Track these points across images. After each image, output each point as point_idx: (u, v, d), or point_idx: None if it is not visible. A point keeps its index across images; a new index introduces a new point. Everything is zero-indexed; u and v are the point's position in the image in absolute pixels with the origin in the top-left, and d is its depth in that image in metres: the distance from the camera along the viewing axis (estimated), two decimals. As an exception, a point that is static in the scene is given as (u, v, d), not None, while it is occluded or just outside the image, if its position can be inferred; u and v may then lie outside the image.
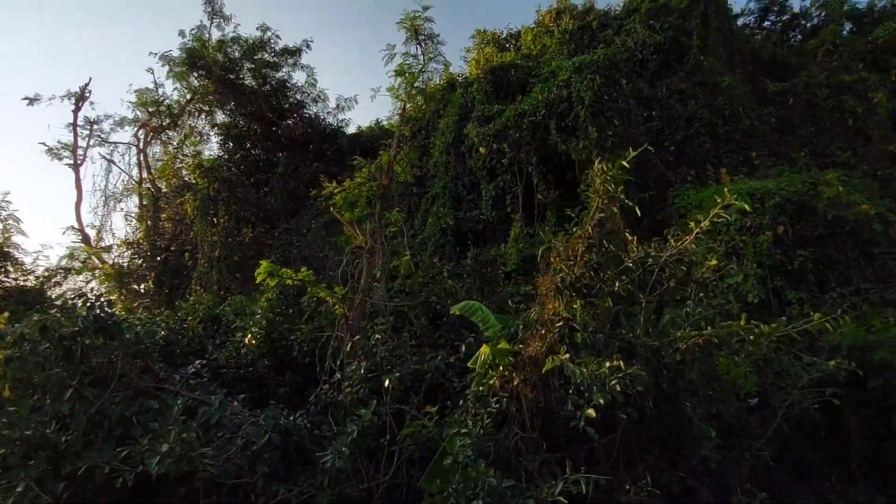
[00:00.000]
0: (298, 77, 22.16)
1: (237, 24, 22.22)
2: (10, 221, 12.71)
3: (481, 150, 14.03)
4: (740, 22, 22.16)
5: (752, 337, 5.11)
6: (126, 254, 18.74)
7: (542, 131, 14.04)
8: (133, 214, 20.16)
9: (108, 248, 18.47)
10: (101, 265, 16.53)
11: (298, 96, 21.44)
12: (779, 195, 10.87)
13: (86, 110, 20.68)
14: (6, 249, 11.91)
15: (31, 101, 18.54)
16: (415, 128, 19.99)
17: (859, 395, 7.41)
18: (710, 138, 14.38)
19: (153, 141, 21.27)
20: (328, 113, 22.61)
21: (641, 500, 4.88)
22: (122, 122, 20.78)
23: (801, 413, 5.53)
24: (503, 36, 20.61)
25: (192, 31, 21.63)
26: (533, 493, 4.62)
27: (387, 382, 7.52)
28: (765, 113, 15.38)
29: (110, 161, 20.20)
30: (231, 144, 22.11)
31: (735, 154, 14.33)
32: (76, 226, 18.42)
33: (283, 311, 11.51)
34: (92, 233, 18.90)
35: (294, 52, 22.28)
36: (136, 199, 20.59)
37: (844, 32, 20.04)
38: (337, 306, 9.16)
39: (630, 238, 5.93)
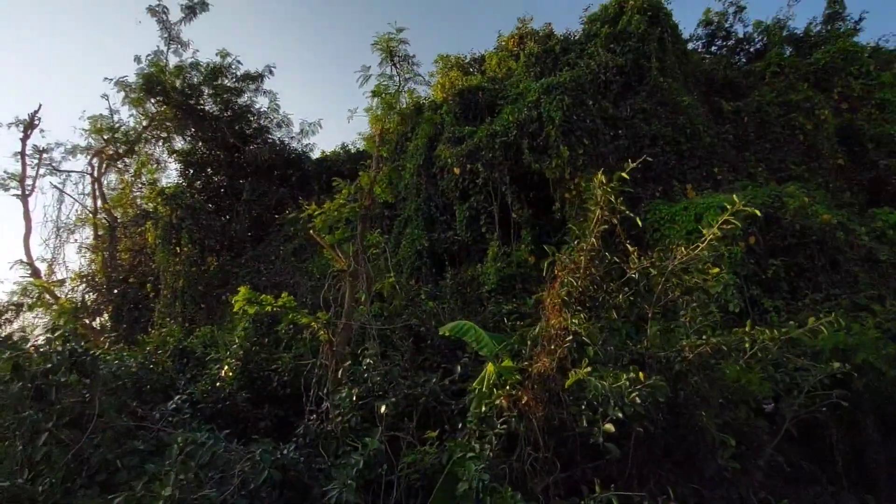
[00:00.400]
0: (261, 102, 21.79)
1: (195, 51, 21.77)
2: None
3: (455, 170, 14.03)
4: (689, 47, 23.29)
5: (763, 342, 5.13)
6: (80, 288, 17.66)
7: (515, 151, 14.18)
8: (87, 246, 19.09)
9: (62, 282, 17.36)
10: (54, 300, 15.46)
11: (262, 121, 21.05)
12: (748, 207, 11.24)
13: (35, 138, 19.61)
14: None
15: (-26, 128, 17.50)
16: (388, 149, 19.90)
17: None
18: (674, 155, 14.86)
19: (108, 169, 20.33)
20: (292, 138, 22.32)
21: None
22: (73, 151, 19.82)
23: (808, 417, 5.57)
24: (467, 60, 20.92)
25: (149, 57, 21.04)
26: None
27: (382, 408, 7.25)
28: (722, 131, 16.07)
29: (62, 191, 19.16)
30: (191, 171, 21.43)
31: (698, 170, 14.84)
32: (25, 259, 17.26)
33: (258, 341, 11.04)
34: (42, 266, 17.75)
35: (256, 78, 21.96)
36: (89, 230, 19.54)
37: (786, 55, 21.30)
38: (321, 332, 8.80)
39: (631, 249, 5.93)
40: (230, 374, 9.62)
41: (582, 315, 5.67)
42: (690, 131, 15.06)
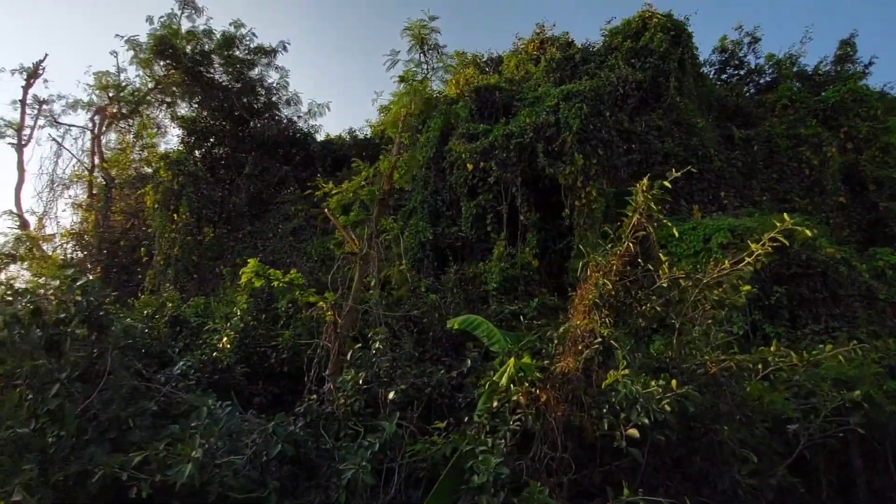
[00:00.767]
0: (272, 78, 21.46)
1: (209, 18, 21.37)
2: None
3: (469, 166, 13.96)
4: (703, 71, 23.57)
5: (780, 363, 5.16)
6: (69, 245, 17.21)
7: (529, 154, 14.16)
8: (80, 203, 18.60)
9: (51, 238, 16.91)
10: (41, 254, 15.03)
11: (271, 97, 20.73)
12: (757, 233, 11.37)
13: (38, 88, 19.08)
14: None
15: (-23, 71, 16.98)
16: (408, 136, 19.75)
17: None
18: (684, 176, 14.91)
19: (109, 128, 19.85)
20: (299, 117, 22.01)
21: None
22: (74, 105, 19.31)
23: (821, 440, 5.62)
24: (484, 59, 20.87)
25: (162, 19, 20.61)
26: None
27: (391, 395, 7.15)
28: (732, 157, 16.23)
29: (60, 144, 18.64)
30: (193, 139, 21.05)
31: (706, 192, 15.00)
32: (14, 210, 16.77)
33: (255, 317, 10.86)
34: (32, 219, 17.25)
35: (269, 52, 21.61)
36: (84, 187, 19.04)
37: (795, 90, 21.65)
38: (328, 313, 8.66)
39: (663, 258, 5.92)
40: (228, 346, 9.44)
41: (608, 319, 5.64)
42: (702, 153, 15.21)
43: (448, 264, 14.58)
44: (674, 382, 4.73)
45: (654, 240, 5.83)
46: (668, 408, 4.69)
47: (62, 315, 5.01)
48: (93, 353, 5.39)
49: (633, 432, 4.85)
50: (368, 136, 21.48)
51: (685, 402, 4.69)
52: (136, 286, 16.59)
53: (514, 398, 5.90)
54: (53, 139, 18.81)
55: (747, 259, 5.51)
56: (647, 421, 4.82)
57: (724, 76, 24.45)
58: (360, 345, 7.88)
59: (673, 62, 16.40)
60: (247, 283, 9.09)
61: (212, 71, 20.55)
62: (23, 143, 17.94)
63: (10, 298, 4.45)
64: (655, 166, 14.93)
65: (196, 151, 20.72)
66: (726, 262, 5.60)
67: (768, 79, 23.74)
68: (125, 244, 17.61)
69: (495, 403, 6.37)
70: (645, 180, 5.75)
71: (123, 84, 19.51)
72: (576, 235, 13.72)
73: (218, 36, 20.94)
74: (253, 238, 17.61)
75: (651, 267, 5.68)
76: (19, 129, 17.89)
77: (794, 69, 23.34)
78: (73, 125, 19.29)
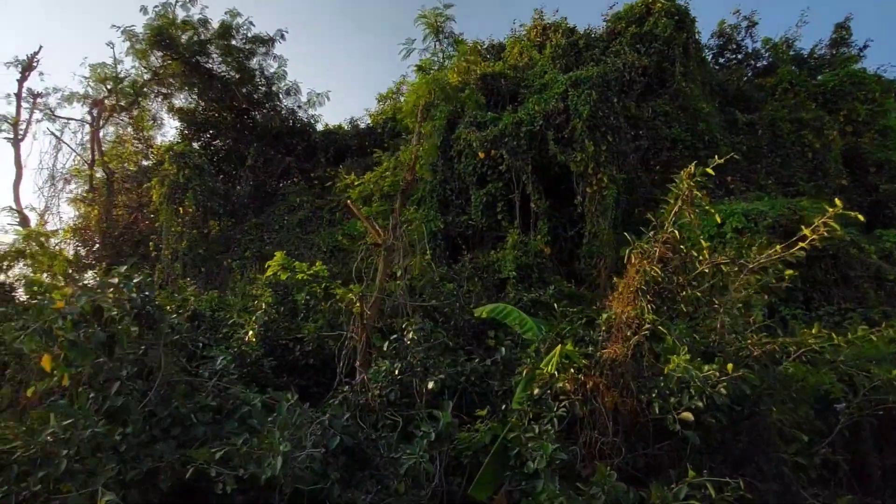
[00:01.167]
0: (271, 67, 21.18)
1: (204, 7, 20.99)
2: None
3: (480, 154, 13.94)
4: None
5: (838, 344, 5.28)
6: (71, 241, 16.97)
7: (539, 141, 14.17)
8: (82, 198, 18.30)
9: (55, 233, 16.64)
10: (43, 251, 14.76)
11: (272, 87, 20.49)
12: (770, 216, 11.55)
13: (33, 82, 18.68)
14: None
15: (-30, 64, 16.55)
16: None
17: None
18: (691, 160, 15.01)
19: (108, 121, 19.50)
20: (299, 107, 21.78)
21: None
22: (70, 98, 18.92)
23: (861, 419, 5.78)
24: (485, 46, 20.73)
25: (156, 9, 20.22)
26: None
27: (430, 385, 7.21)
28: (736, 141, 16.37)
29: (59, 139, 18.30)
30: (191, 131, 20.80)
31: (713, 177, 15.08)
32: (14, 206, 16.47)
33: (277, 310, 10.83)
34: (32, 215, 16.97)
35: (266, 41, 21.32)
36: (84, 182, 18.73)
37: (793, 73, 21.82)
38: (356, 305, 8.68)
39: (704, 244, 6.01)
40: (254, 339, 9.43)
41: (650, 305, 5.73)
42: (709, 139, 15.32)
43: (459, 253, 14.63)
44: (730, 366, 4.84)
45: (694, 227, 5.90)
46: (723, 391, 4.80)
47: (112, 313, 4.97)
48: (139, 350, 5.37)
49: (688, 415, 4.96)
50: (370, 126, 21.30)
51: (741, 385, 4.80)
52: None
53: (560, 385, 5.97)
54: (52, 133, 18.47)
55: (801, 244, 5.59)
56: (700, 404, 4.92)
57: (721, 60, 24.59)
58: (394, 336, 7.89)
59: (678, 47, 16.45)
60: (267, 275, 9.04)
61: (210, 61, 20.25)
62: (19, 137, 17.58)
63: (72, 298, 4.41)
64: (664, 152, 15.04)
65: (195, 144, 20.46)
66: (777, 246, 5.68)
67: (765, 63, 23.93)
68: (128, 239, 17.42)
69: (536, 391, 6.46)
70: (692, 166, 5.78)
71: (121, 76, 19.15)
72: (587, 222, 13.81)
73: (214, 25, 20.62)
74: (259, 230, 17.49)
75: (695, 253, 5.75)
76: (15, 123, 17.52)
77: (791, 53, 23.53)
78: (72, 118, 18.97)
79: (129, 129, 20.59)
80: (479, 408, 7.49)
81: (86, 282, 14.46)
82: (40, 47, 17.80)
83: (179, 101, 21.53)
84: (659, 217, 6.07)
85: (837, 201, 5.46)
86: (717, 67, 23.62)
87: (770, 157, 16.50)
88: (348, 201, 9.39)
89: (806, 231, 5.61)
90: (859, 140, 17.86)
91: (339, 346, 8.81)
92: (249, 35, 21.10)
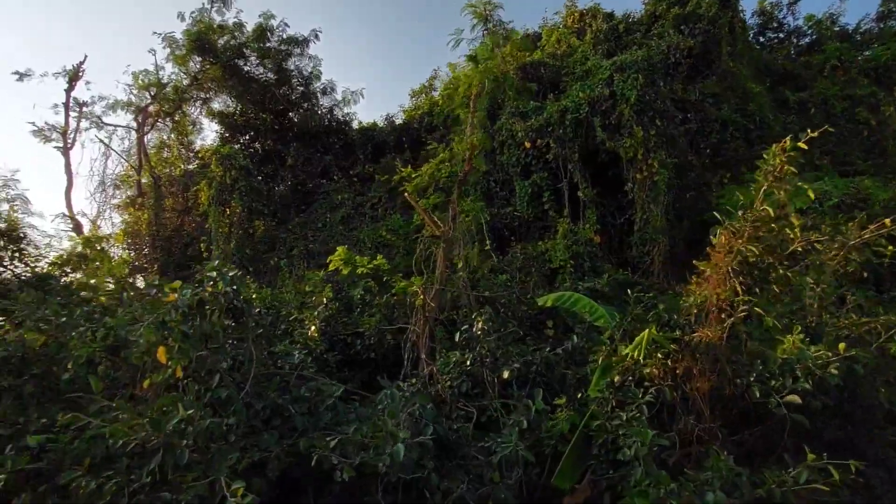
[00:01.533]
0: (306, 67, 21.32)
1: (239, 10, 21.28)
2: (18, 202, 11.50)
3: (527, 144, 13.78)
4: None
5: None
6: (122, 245, 17.41)
7: (586, 128, 13.95)
8: (132, 203, 18.75)
9: (114, 238, 17.09)
10: (96, 254, 15.17)
11: (309, 87, 20.63)
12: (834, 196, 11.13)
13: (80, 90, 19.19)
14: (21, 232, 10.77)
15: (22, 76, 17.02)
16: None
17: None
18: (743, 142, 14.68)
19: (153, 126, 19.94)
20: (335, 106, 21.88)
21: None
22: (115, 106, 19.36)
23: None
24: (521, 36, 20.49)
25: (193, 14, 20.54)
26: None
27: (506, 374, 7.12)
28: (788, 121, 15.86)
29: (108, 146, 18.76)
30: (230, 134, 21.10)
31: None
32: (66, 213, 16.93)
33: (333, 305, 10.89)
34: (84, 221, 17.44)
35: (301, 42, 21.46)
36: (132, 187, 19.19)
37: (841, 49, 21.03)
38: (419, 297, 8.64)
39: (796, 221, 5.77)
40: (316, 334, 9.49)
41: (744, 286, 5.53)
42: (760, 119, 14.87)
43: (505, 244, 14.53)
44: (842, 346, 4.64)
45: (786, 203, 5.67)
46: (834, 371, 4.60)
47: (205, 308, 5.01)
48: (230, 343, 5.42)
49: (795, 398, 4.77)
50: (406, 122, 21.29)
51: (854, 365, 4.59)
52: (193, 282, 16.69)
53: (647, 371, 5.82)
54: (101, 140, 18.92)
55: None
56: (808, 386, 4.73)
57: (762, 39, 23.87)
58: (465, 326, 7.82)
59: (723, 27, 15.98)
60: (329, 270, 9.08)
61: (247, 64, 20.49)
62: (69, 146, 18.05)
63: (175, 293, 4.46)
64: (713, 134, 14.65)
65: (234, 146, 20.74)
66: (887, 221, 5.43)
67: (808, 40, 23.15)
68: (177, 242, 17.78)
69: (617, 378, 6.32)
70: (786, 140, 5.56)
71: (164, 82, 19.53)
72: (638, 209, 13.55)
73: (249, 29, 20.85)
74: (303, 229, 17.66)
75: (789, 230, 5.53)
76: (64, 132, 18.00)
77: (836, 28, 22.69)
78: (118, 125, 19.42)
79: (172, 135, 20.96)
80: (548, 397, 7.40)
81: (139, 284, 14.80)
82: (85, 57, 18.31)
83: (217, 104, 21.88)
84: (747, 195, 5.85)
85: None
86: (758, 47, 22.95)
87: (823, 136, 15.88)
88: (406, 194, 9.30)
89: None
90: (915, 115, 17.11)
91: (404, 339, 8.78)
92: (284, 36, 21.29)
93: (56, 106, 18.63)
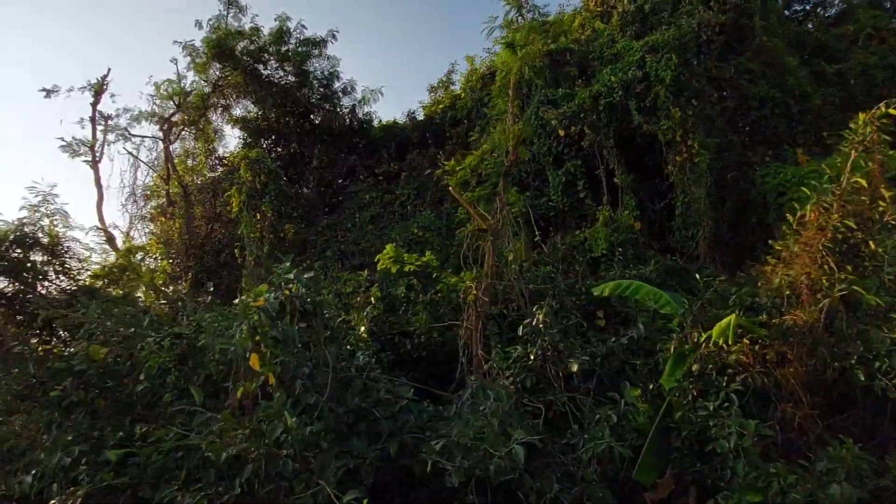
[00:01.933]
0: (325, 67, 21.18)
1: (255, 15, 21.15)
2: (58, 216, 11.54)
3: (561, 132, 13.49)
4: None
5: None
6: (155, 254, 17.47)
7: (620, 113, 13.61)
8: (162, 213, 18.83)
9: (152, 248, 17.18)
10: (138, 267, 15.23)
11: (331, 88, 20.51)
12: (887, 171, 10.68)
13: (105, 103, 19.27)
14: (64, 246, 10.81)
15: (49, 92, 17.10)
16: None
17: None
18: (783, 119, 14.22)
19: (179, 136, 19.99)
20: (356, 105, 21.73)
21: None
22: (139, 117, 19.43)
23: None
24: (541, 23, 20.12)
25: (210, 22, 20.50)
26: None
27: (574, 367, 6.90)
28: (828, 94, 15.34)
29: (136, 157, 18.84)
30: (252, 139, 21.08)
31: (808, 134, 14.22)
32: (98, 226, 17.01)
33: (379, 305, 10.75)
34: (116, 233, 17.53)
35: (319, 43, 21.32)
36: (161, 197, 19.27)
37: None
38: (471, 293, 8.44)
39: (887, 193, 5.46)
40: (366, 335, 9.36)
41: (837, 265, 5.24)
42: (800, 93, 14.38)
43: (545, 235, 14.28)
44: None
45: (876, 175, 5.36)
46: (955, 350, 4.31)
47: (276, 311, 4.86)
48: (298, 347, 5.27)
49: (907, 380, 4.48)
50: (428, 117, 21.05)
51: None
52: (226, 289, 16.70)
53: (734, 358, 5.56)
54: (129, 152, 19.01)
55: None
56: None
57: (786, 13, 23.20)
58: (529, 319, 7.61)
59: (755, 0, 15.47)
60: (380, 269, 8.91)
61: (267, 68, 20.42)
62: (97, 159, 18.14)
63: (256, 299, 4.31)
64: (752, 111, 14.21)
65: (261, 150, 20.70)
66: None
67: (835, 10, 22.45)
68: (209, 249, 17.80)
69: (695, 366, 6.07)
70: (882, 105, 5.25)
71: (189, 90, 19.55)
72: (678, 192, 13.19)
73: (266, 33, 20.76)
74: (332, 230, 17.56)
75: (883, 203, 5.23)
76: (92, 146, 18.08)
77: (863, -4, 21.93)
78: (145, 136, 19.49)
79: (196, 143, 21.00)
80: (612, 389, 7.16)
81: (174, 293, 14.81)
82: (109, 70, 18.30)
83: (238, 110, 21.87)
84: (832, 167, 5.55)
85: None
86: (786, 19, 22.30)
87: (865, 107, 15.34)
88: (450, 188, 9.09)
89: None
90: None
91: (460, 336, 8.59)
92: (301, 38, 21.17)
93: (82, 120, 18.75)
